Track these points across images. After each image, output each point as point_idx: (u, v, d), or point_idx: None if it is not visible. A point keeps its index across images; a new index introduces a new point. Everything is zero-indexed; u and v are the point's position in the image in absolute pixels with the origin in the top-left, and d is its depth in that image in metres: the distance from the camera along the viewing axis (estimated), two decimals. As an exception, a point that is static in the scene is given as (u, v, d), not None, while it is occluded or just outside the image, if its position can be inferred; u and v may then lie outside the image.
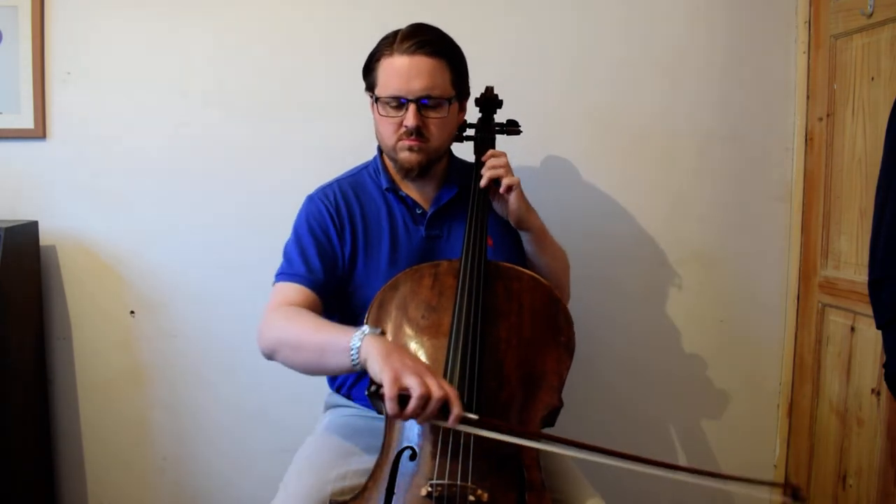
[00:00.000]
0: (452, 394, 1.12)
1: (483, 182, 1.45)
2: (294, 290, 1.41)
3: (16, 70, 1.90)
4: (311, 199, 1.53)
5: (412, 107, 1.38)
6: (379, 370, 1.13)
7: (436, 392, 1.10)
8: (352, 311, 1.49)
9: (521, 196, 1.47)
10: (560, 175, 2.01)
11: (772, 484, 1.13)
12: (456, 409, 1.11)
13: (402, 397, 1.11)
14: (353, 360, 1.19)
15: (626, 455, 1.15)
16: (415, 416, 1.11)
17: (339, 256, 1.47)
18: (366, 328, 1.22)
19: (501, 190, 1.45)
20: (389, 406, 1.11)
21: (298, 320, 1.33)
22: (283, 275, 1.44)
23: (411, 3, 1.91)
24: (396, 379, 1.11)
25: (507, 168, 1.47)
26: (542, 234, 1.52)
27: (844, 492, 1.84)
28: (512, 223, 1.49)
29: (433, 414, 1.11)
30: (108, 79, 1.93)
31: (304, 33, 1.96)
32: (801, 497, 1.12)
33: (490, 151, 1.51)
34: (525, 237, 1.52)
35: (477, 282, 1.33)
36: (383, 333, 1.25)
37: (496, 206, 1.50)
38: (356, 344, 1.19)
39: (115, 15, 1.92)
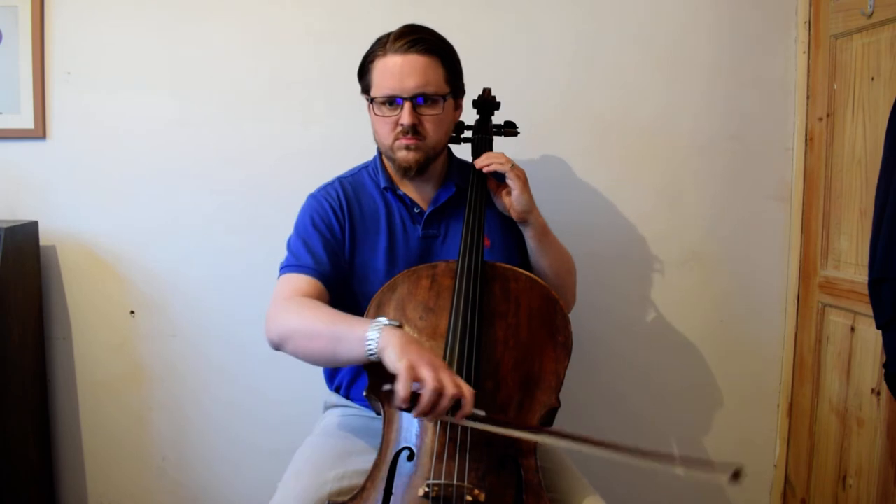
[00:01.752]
0: (468, 392, 1.12)
1: (487, 169, 1.47)
2: (303, 281, 1.40)
3: (16, 70, 1.90)
4: (313, 196, 1.53)
5: (407, 105, 1.39)
6: (396, 359, 1.12)
7: (449, 389, 1.10)
8: (348, 309, 1.48)
9: (527, 186, 1.47)
10: (558, 176, 2.01)
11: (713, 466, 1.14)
12: (467, 408, 1.11)
13: (415, 393, 1.10)
14: (368, 349, 1.18)
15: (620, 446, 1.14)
16: (426, 411, 1.10)
17: (342, 251, 1.47)
18: (383, 319, 1.21)
19: (507, 177, 1.46)
20: (401, 395, 1.09)
21: (312, 309, 1.32)
22: (290, 266, 1.43)
23: (409, 5, 1.91)
24: (412, 368, 1.10)
25: (509, 160, 1.48)
26: (543, 232, 1.52)
27: (844, 492, 1.83)
28: (515, 216, 1.49)
29: (445, 409, 1.10)
30: (108, 79, 1.94)
31: (305, 34, 1.96)
32: (738, 475, 1.13)
33: (486, 154, 1.51)
34: (527, 233, 1.51)
35: (474, 283, 1.33)
36: (401, 326, 1.24)
37: (497, 202, 1.50)
38: (373, 335, 1.18)
39: (115, 15, 1.92)
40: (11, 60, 1.90)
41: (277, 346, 1.35)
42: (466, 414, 1.11)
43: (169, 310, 2.00)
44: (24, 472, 1.85)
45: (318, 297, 1.38)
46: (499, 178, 1.52)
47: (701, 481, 2.12)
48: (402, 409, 1.13)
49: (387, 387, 1.12)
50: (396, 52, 1.38)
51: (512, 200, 1.47)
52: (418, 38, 1.39)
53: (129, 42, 1.93)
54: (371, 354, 1.18)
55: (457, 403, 1.11)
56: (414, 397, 1.10)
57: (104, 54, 1.93)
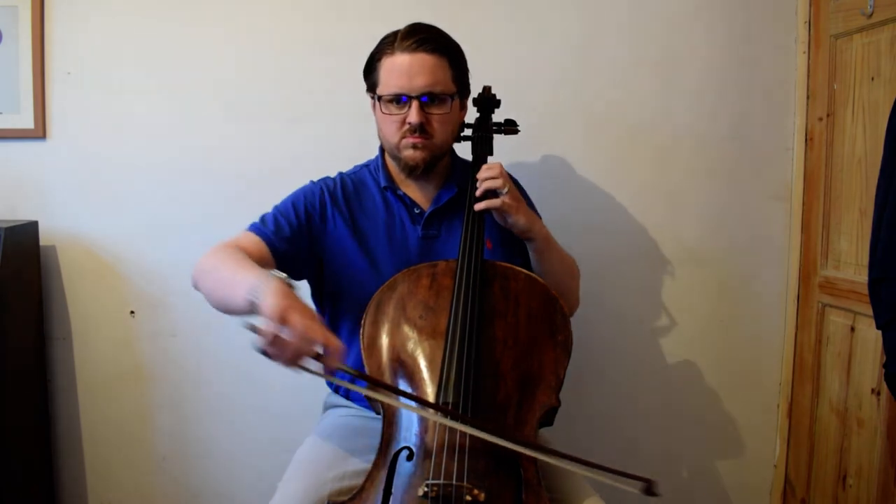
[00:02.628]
0: (336, 345, 1.08)
1: (479, 207, 1.43)
2: (251, 240, 1.41)
3: (16, 70, 1.90)
4: (313, 183, 1.54)
5: (415, 103, 1.39)
6: (270, 304, 1.08)
7: (315, 334, 1.06)
8: (347, 307, 1.49)
9: (520, 210, 1.44)
10: (558, 175, 2.01)
11: (633, 477, 1.16)
12: (331, 360, 1.07)
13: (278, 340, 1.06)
14: (249, 293, 1.14)
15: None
16: (285, 355, 1.06)
17: (309, 239, 1.46)
18: (277, 272, 1.19)
19: (496, 216, 1.45)
20: (264, 332, 1.06)
21: (232, 256, 1.30)
22: (252, 226, 1.45)
23: (410, 4, 1.91)
24: (279, 315, 1.06)
25: (504, 181, 1.43)
26: (546, 243, 1.50)
27: (844, 492, 1.83)
28: (516, 235, 1.48)
29: (302, 354, 1.06)
30: (108, 79, 1.94)
31: (305, 34, 1.96)
32: (653, 492, 1.15)
33: (484, 168, 1.47)
34: (530, 246, 1.50)
35: (474, 282, 1.33)
36: (291, 287, 1.16)
37: (497, 217, 1.47)
38: (259, 283, 1.14)
39: (116, 15, 1.92)
40: (11, 60, 1.90)
41: (194, 284, 1.36)
42: (331, 367, 1.08)
43: (169, 310, 2.00)
44: (24, 472, 1.85)
45: (258, 258, 1.35)
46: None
47: (702, 481, 2.13)
48: (263, 353, 1.08)
49: (252, 324, 1.08)
50: (405, 50, 1.39)
51: (511, 225, 1.45)
52: (427, 37, 1.39)
53: (129, 42, 1.93)
54: (249, 298, 1.14)
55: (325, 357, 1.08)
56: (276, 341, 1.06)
57: (104, 54, 1.93)
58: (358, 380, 1.21)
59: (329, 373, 1.11)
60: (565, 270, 1.55)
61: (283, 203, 1.51)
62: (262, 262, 1.34)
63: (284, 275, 1.21)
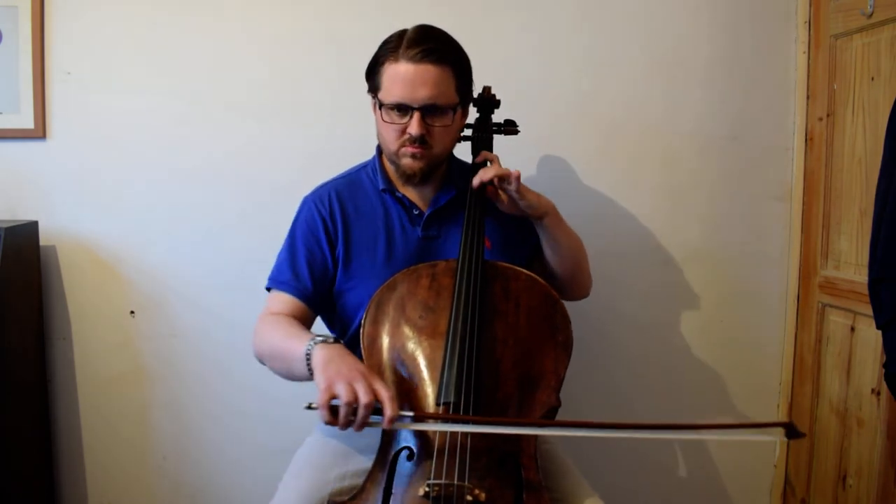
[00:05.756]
0: (385, 395, 1.13)
1: (475, 184, 1.44)
2: (280, 299, 1.46)
3: (16, 70, 1.90)
4: (305, 202, 1.53)
5: (416, 115, 1.37)
6: (317, 380, 1.16)
7: (363, 397, 1.12)
8: (347, 310, 1.49)
9: (523, 187, 1.44)
10: (558, 175, 2.01)
11: (770, 424, 1.16)
12: (388, 411, 1.12)
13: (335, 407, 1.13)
14: (308, 369, 1.23)
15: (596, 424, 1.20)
16: (347, 423, 1.13)
17: (330, 263, 1.48)
18: (317, 337, 1.25)
19: (499, 187, 1.44)
20: (322, 415, 1.13)
21: (274, 330, 1.38)
22: (272, 281, 1.49)
23: (411, 3, 1.91)
24: (328, 388, 1.13)
25: (498, 167, 1.45)
26: (557, 217, 1.49)
27: (844, 492, 1.83)
28: (529, 216, 1.47)
29: (364, 419, 1.13)
30: (108, 79, 1.93)
31: (304, 35, 1.95)
32: (796, 433, 1.13)
33: (482, 154, 1.49)
34: (540, 225, 1.48)
35: (474, 281, 1.33)
36: (337, 341, 1.26)
37: (501, 206, 1.47)
38: (308, 354, 1.23)
39: (116, 15, 1.92)
40: (11, 60, 1.90)
41: (264, 365, 1.44)
42: (392, 416, 1.12)
43: (169, 310, 2.00)
44: (24, 472, 1.85)
45: (294, 314, 1.43)
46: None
47: (701, 481, 2.13)
48: (328, 424, 1.15)
49: (311, 405, 1.14)
50: (410, 59, 1.35)
51: (514, 203, 1.45)
52: (432, 48, 1.36)
53: (129, 42, 1.93)
54: (308, 371, 1.23)
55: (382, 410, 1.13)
56: (336, 411, 1.13)
57: (104, 54, 1.93)
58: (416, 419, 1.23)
59: (389, 423, 1.13)
60: (576, 246, 1.56)
61: (290, 239, 1.51)
62: (302, 319, 1.43)
63: (324, 335, 1.26)
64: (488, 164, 1.52)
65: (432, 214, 1.50)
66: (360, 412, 1.12)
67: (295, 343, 1.27)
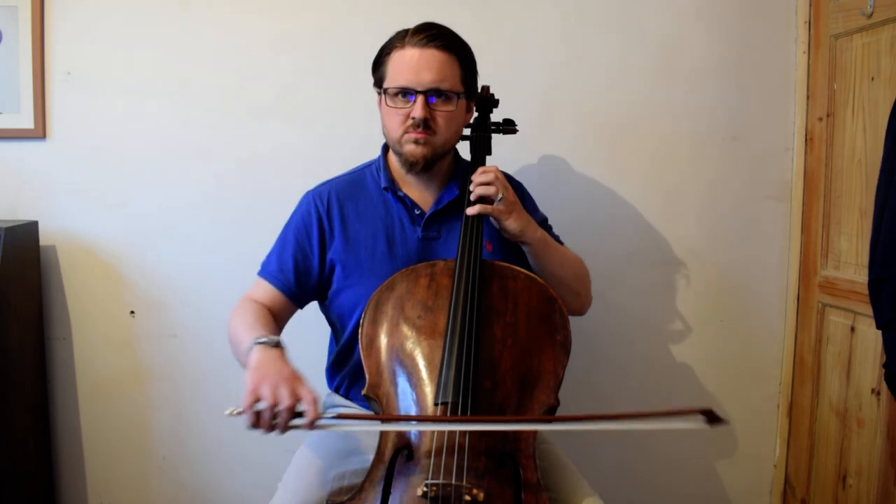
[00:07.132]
0: (308, 398, 1.15)
1: (471, 212, 1.41)
2: (262, 287, 1.50)
3: (16, 70, 1.90)
4: (306, 197, 1.54)
5: (420, 98, 1.38)
6: (244, 381, 1.18)
7: (284, 400, 1.14)
8: (346, 309, 1.49)
9: (514, 214, 1.43)
10: (557, 174, 2.01)
11: (691, 412, 1.15)
12: (311, 413, 1.14)
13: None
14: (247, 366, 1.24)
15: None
16: (271, 427, 1.15)
17: (317, 261, 1.49)
18: (262, 337, 1.27)
19: (492, 220, 1.44)
20: (246, 418, 1.15)
21: (241, 316, 1.41)
22: (261, 268, 1.53)
23: (409, 4, 1.91)
24: (253, 391, 1.15)
25: (497, 188, 1.42)
26: (542, 246, 1.48)
27: (844, 492, 1.83)
28: (511, 239, 1.47)
29: (286, 422, 1.14)
30: (108, 79, 1.94)
31: (305, 35, 1.96)
32: (717, 418, 1.12)
33: (479, 171, 1.45)
34: (526, 250, 1.48)
35: (472, 281, 1.33)
36: (278, 345, 1.27)
37: (493, 221, 1.47)
38: (248, 351, 1.26)
39: (116, 15, 1.92)
40: (11, 60, 1.90)
41: None
42: (313, 418, 1.14)
43: (169, 310, 2.00)
44: (24, 472, 1.85)
45: (272, 304, 1.47)
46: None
47: (702, 481, 2.13)
48: (253, 429, 1.17)
49: (234, 410, 1.16)
50: (415, 45, 1.38)
51: (504, 229, 1.44)
52: (438, 34, 1.39)
53: (129, 42, 1.93)
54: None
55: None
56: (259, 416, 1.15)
57: (104, 54, 1.93)
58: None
59: (310, 425, 1.15)
60: (568, 273, 1.52)
61: (285, 231, 1.54)
62: (280, 309, 1.47)
63: (268, 338, 1.28)
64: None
65: (434, 215, 1.50)
66: (282, 415, 1.14)
67: (247, 336, 1.30)
